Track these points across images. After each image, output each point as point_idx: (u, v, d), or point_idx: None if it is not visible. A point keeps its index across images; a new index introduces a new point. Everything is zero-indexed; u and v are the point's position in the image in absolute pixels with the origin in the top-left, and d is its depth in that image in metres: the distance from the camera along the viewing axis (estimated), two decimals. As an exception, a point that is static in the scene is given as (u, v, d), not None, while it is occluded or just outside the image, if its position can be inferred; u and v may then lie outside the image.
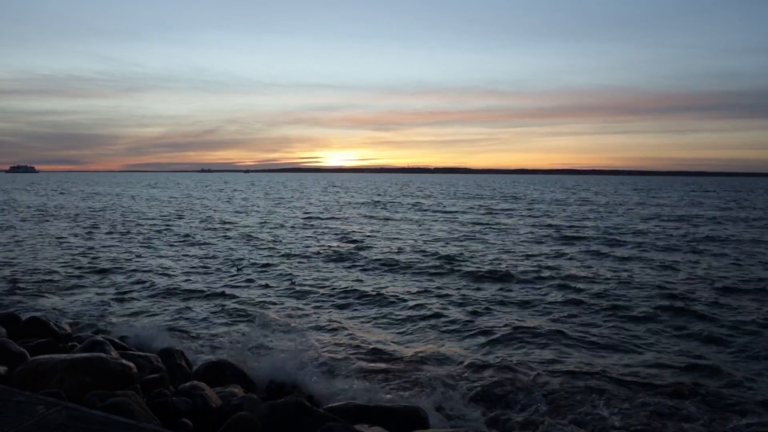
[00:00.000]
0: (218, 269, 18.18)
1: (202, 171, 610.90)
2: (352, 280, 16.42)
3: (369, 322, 12.17)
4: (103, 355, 6.97)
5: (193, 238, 26.39)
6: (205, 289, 15.17)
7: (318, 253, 21.72)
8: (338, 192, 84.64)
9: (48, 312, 12.39)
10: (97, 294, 14.52)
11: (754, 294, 14.77)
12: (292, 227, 31.84)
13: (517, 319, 12.24)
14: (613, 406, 7.93)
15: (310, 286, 15.65)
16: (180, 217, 37.61)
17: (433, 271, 17.95)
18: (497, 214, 41.76)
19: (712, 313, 12.68)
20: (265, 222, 34.69)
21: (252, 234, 28.01)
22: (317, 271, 18.06)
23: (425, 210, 45.63)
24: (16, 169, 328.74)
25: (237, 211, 43.10)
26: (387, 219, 37.28)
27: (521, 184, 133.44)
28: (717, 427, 7.36)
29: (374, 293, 14.60)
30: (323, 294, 14.70)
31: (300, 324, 11.81)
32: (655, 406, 7.90)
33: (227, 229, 30.17)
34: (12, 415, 4.58)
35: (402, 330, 11.56)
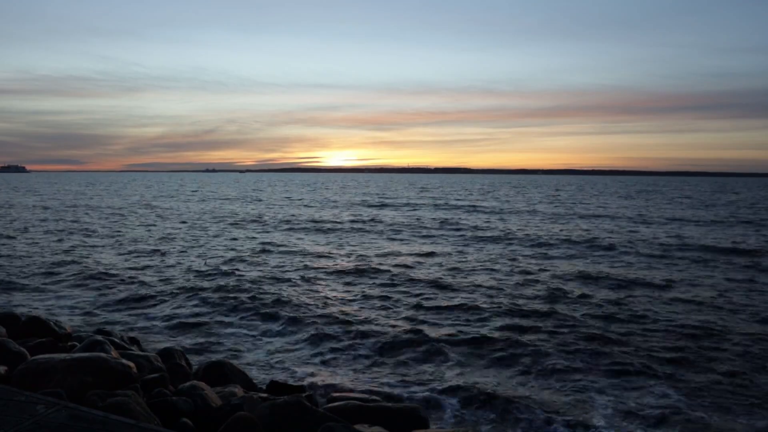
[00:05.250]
0: (213, 270, 18.18)
1: (207, 171, 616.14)
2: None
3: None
4: (103, 354, 6.95)
5: (180, 240, 26.39)
6: (201, 289, 15.18)
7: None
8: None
9: (48, 311, 12.42)
10: (96, 294, 14.53)
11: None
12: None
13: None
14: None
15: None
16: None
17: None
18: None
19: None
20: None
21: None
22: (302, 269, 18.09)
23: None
24: (6, 169, 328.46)
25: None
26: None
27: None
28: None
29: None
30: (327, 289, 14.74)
31: (300, 320, 11.83)
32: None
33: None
34: (12, 414, 4.58)
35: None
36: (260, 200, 60.48)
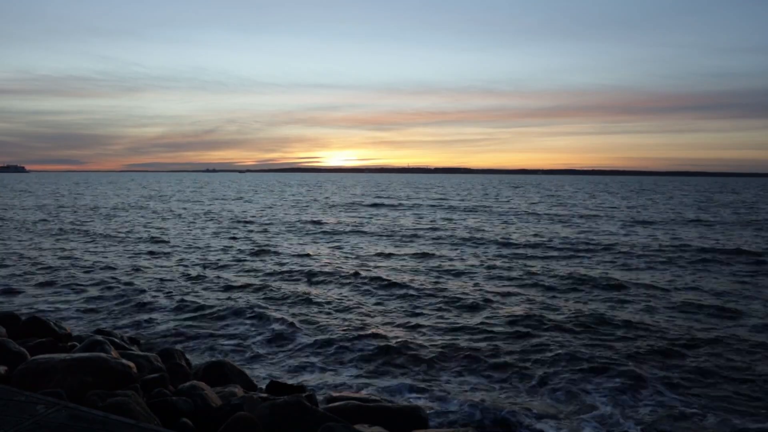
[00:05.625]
0: (213, 271, 18.18)
1: (207, 171, 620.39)
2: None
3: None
4: (103, 354, 6.95)
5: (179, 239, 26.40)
6: (201, 289, 15.18)
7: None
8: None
9: (48, 311, 12.42)
10: (96, 294, 14.53)
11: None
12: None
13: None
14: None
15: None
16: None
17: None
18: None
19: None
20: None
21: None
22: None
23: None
24: (5, 169, 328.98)
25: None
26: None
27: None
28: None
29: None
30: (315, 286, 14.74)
31: (300, 320, 11.84)
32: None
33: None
34: (12, 414, 4.58)
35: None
36: (257, 202, 60.48)
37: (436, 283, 16.12)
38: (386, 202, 56.94)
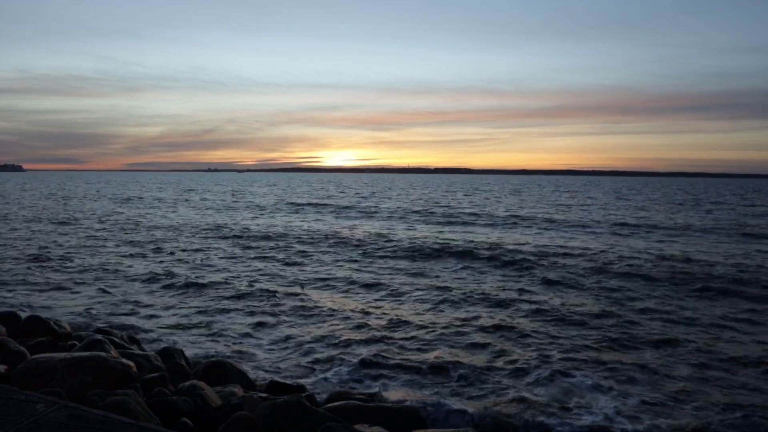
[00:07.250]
0: (211, 271, 18.18)
1: (209, 170, 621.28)
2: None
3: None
4: (103, 354, 6.96)
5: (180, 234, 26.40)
6: (201, 289, 15.18)
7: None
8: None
9: (48, 310, 12.42)
10: (96, 293, 14.53)
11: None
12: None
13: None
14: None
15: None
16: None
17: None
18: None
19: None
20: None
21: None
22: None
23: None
24: (2, 168, 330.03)
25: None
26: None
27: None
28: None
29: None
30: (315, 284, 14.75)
31: (299, 318, 11.84)
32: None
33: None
34: (12, 413, 4.58)
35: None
36: (255, 202, 60.55)
37: (434, 284, 16.14)
38: (386, 204, 56.95)
